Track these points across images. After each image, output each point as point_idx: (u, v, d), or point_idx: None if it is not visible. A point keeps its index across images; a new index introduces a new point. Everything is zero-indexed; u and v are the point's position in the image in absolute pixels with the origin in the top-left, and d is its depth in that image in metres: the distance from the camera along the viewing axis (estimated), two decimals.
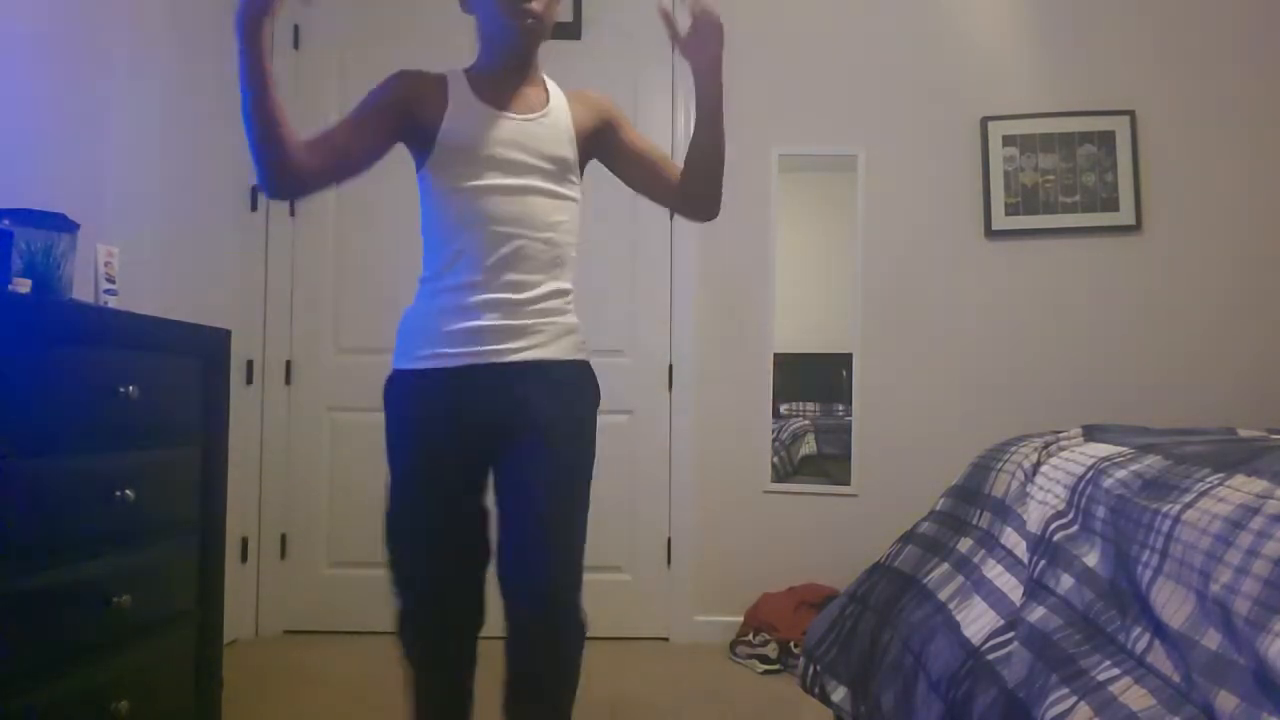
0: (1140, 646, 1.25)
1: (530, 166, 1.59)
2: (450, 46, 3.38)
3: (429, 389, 1.59)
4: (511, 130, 1.59)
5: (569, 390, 1.63)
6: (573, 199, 1.66)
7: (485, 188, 1.57)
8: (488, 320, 1.57)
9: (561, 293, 1.64)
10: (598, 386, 1.70)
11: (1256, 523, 1.13)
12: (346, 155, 1.61)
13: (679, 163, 1.75)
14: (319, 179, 1.57)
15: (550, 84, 1.71)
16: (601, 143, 1.72)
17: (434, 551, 1.62)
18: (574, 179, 1.67)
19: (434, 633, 1.66)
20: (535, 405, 1.56)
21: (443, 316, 1.61)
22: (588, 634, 1.60)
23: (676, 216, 3.29)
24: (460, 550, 1.62)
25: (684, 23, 1.57)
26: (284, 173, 1.50)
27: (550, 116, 1.64)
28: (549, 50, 3.48)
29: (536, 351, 1.59)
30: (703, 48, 1.60)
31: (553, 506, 1.54)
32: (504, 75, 1.64)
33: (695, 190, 1.73)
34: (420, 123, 1.61)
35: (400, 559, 1.64)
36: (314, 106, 3.36)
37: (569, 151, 1.64)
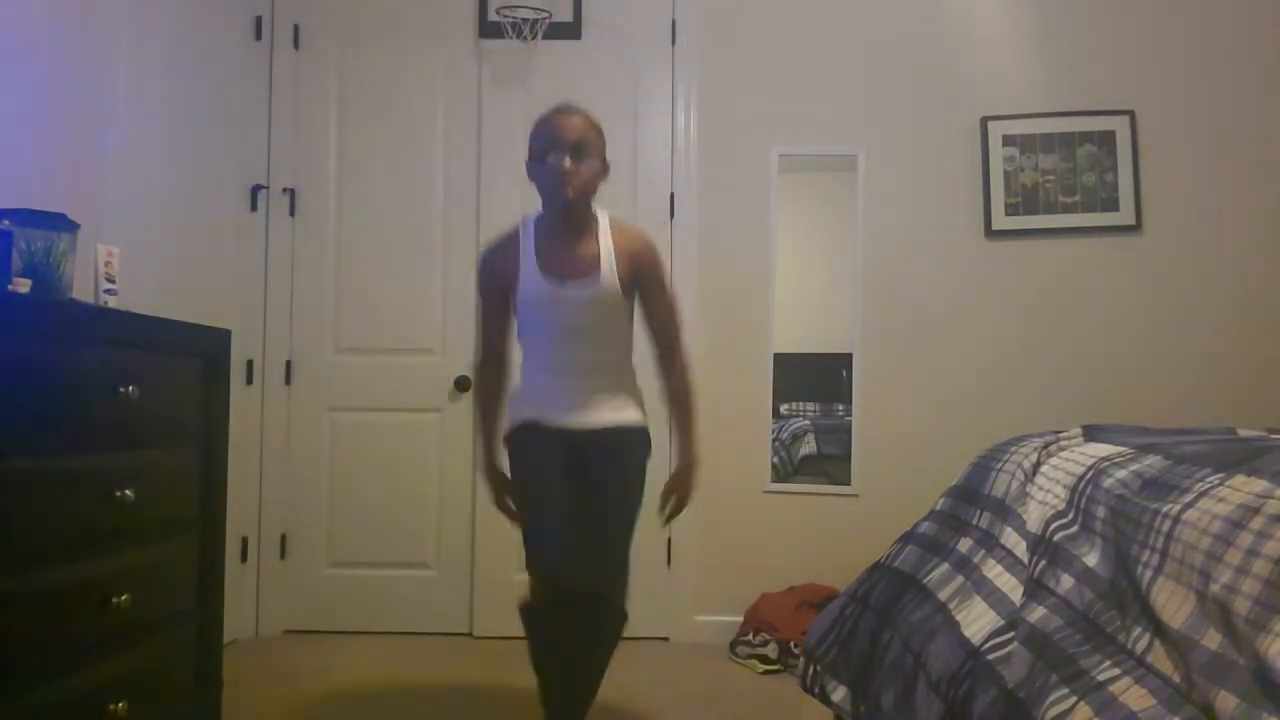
0: (1140, 646, 1.25)
1: (585, 324, 2.08)
2: (451, 47, 3.39)
3: (538, 434, 2.12)
4: (565, 299, 2.05)
5: (634, 449, 2.17)
6: (623, 329, 2.16)
7: (554, 338, 2.09)
8: (575, 399, 2.10)
9: (621, 374, 2.18)
10: (649, 440, 2.22)
11: (1256, 523, 1.13)
12: (491, 338, 2.20)
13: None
14: (501, 357, 2.22)
15: (604, 230, 2.09)
16: (637, 287, 2.15)
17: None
18: (623, 314, 2.14)
19: (578, 583, 1.99)
20: (610, 447, 2.12)
21: (545, 396, 2.12)
22: (627, 620, 2.11)
23: (676, 217, 3.31)
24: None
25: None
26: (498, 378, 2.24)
27: (599, 282, 2.05)
28: (550, 50, 3.46)
29: (610, 417, 2.13)
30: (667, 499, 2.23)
31: (617, 513, 2.11)
32: (562, 231, 2.06)
33: (662, 375, 2.28)
34: (507, 288, 2.11)
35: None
36: (314, 106, 3.37)
37: (615, 304, 2.09)
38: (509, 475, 2.17)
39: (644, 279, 2.13)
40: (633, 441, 2.17)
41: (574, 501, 2.06)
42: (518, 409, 2.16)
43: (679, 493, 2.20)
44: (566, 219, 2.06)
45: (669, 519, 2.22)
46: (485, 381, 2.20)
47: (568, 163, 1.97)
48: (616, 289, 2.07)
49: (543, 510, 2.06)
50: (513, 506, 2.14)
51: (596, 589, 2.00)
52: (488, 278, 2.15)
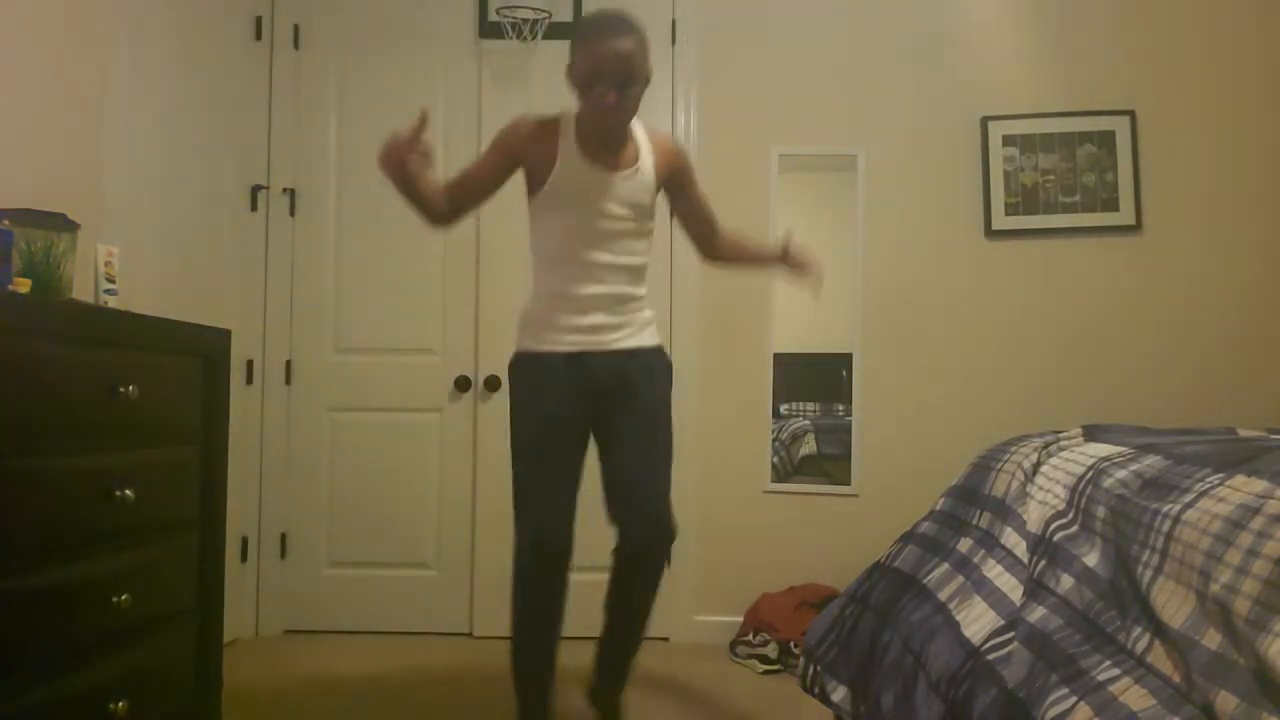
0: (1140, 646, 1.25)
1: (620, 214, 2.05)
2: (451, 47, 3.39)
3: (548, 366, 2.07)
4: (607, 184, 2.04)
5: (658, 371, 2.18)
6: (650, 229, 2.15)
7: (583, 223, 2.04)
8: (596, 319, 2.07)
9: (639, 296, 2.15)
10: (670, 362, 2.22)
11: (1256, 523, 1.13)
12: (471, 191, 2.10)
13: (721, 229, 2.35)
14: (456, 213, 2.11)
15: (639, 134, 2.11)
16: (671, 186, 2.19)
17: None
18: (652, 214, 2.14)
19: (550, 556, 2.04)
20: (634, 379, 2.10)
21: (563, 317, 2.07)
22: (675, 536, 2.15)
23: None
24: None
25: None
26: (433, 221, 2.10)
27: (640, 173, 2.08)
28: (550, 50, 3.47)
29: (629, 341, 2.12)
30: (802, 276, 2.36)
31: (655, 454, 2.13)
32: (604, 134, 2.04)
33: (720, 258, 2.40)
34: (531, 168, 2.06)
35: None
36: (314, 106, 3.37)
37: (650, 199, 2.11)
38: (511, 402, 2.12)
39: (680, 175, 2.18)
40: (658, 366, 2.18)
41: (577, 461, 2.10)
42: (532, 331, 2.11)
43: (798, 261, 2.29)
44: (607, 131, 2.05)
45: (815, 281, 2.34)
46: (437, 195, 2.04)
47: (613, 98, 1.93)
48: (654, 181, 2.10)
49: (540, 472, 2.06)
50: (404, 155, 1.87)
51: (654, 539, 2.08)
52: (516, 142, 2.04)
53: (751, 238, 2.38)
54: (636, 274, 2.13)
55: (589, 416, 2.11)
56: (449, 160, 3.37)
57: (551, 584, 2.07)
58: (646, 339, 2.16)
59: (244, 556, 3.25)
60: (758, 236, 3.30)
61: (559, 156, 2.02)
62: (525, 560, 2.06)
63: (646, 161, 2.09)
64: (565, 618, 2.14)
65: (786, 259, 2.32)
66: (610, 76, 1.92)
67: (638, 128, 2.11)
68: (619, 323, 2.09)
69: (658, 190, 2.13)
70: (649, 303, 2.22)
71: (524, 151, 2.05)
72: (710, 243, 2.33)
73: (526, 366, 2.11)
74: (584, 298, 2.05)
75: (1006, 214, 3.28)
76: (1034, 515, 1.70)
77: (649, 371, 2.14)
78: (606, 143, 2.05)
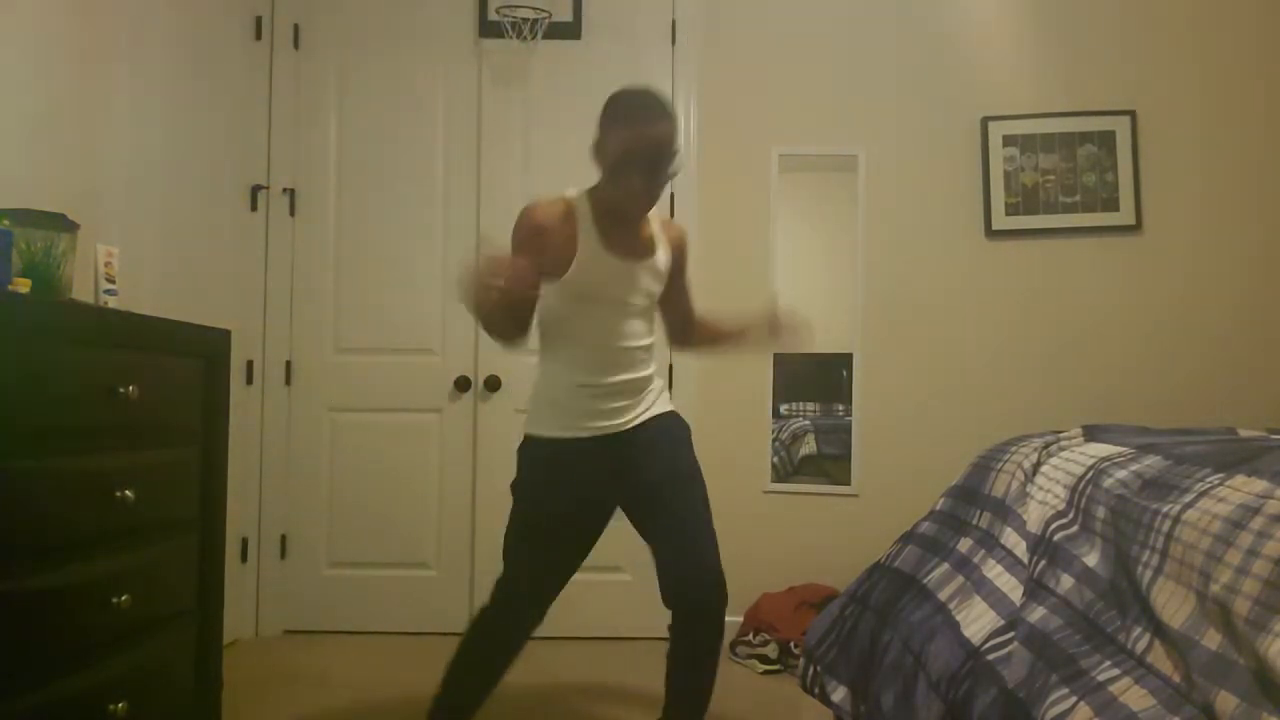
0: (1140, 646, 1.25)
1: (636, 303, 2.01)
2: (451, 47, 3.39)
3: (567, 452, 2.00)
4: (631, 275, 1.99)
5: (673, 428, 2.11)
6: (654, 307, 2.10)
7: (604, 313, 1.98)
8: (612, 404, 2.01)
9: (654, 373, 2.11)
10: (686, 423, 2.16)
11: (1256, 523, 1.13)
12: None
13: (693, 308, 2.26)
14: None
15: (652, 218, 2.05)
16: (672, 266, 2.12)
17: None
18: (661, 290, 2.08)
19: (524, 625, 2.02)
20: (656, 441, 2.05)
21: (586, 403, 2.00)
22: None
23: (676, 216, 3.31)
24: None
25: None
26: (513, 338, 1.99)
27: (656, 261, 2.03)
28: (550, 50, 3.45)
29: (644, 417, 2.06)
30: (784, 343, 2.22)
31: (697, 507, 2.04)
32: (622, 222, 1.98)
33: (689, 346, 2.34)
34: (552, 257, 1.94)
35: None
36: (314, 106, 3.37)
37: (659, 287, 2.06)
38: (523, 482, 2.04)
39: (682, 263, 2.15)
40: (678, 424, 2.13)
41: (583, 549, 2.04)
42: (551, 416, 2.02)
43: (781, 324, 2.16)
44: (632, 220, 2.00)
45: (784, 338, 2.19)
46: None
47: (642, 185, 1.89)
48: (668, 269, 2.07)
49: (544, 561, 2.01)
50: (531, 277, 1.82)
51: (715, 598, 1.95)
52: (536, 232, 1.93)
53: (725, 317, 2.24)
54: (649, 352, 2.08)
55: (612, 499, 2.04)
56: (449, 160, 3.38)
57: (514, 646, 2.05)
58: (660, 407, 2.10)
59: (244, 557, 3.25)
60: (754, 237, 3.31)
61: (579, 247, 1.93)
62: (497, 619, 2.02)
63: (661, 249, 2.05)
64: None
65: (774, 325, 2.19)
66: (646, 164, 1.86)
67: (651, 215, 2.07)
68: (638, 403, 2.04)
69: (667, 274, 2.08)
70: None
71: (544, 243, 1.93)
72: (686, 330, 2.26)
73: (546, 454, 2.01)
74: (608, 385, 1.99)
75: (1006, 214, 3.28)
76: (1034, 515, 1.70)
77: (668, 430, 2.09)
78: (625, 228, 1.99)
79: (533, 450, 2.03)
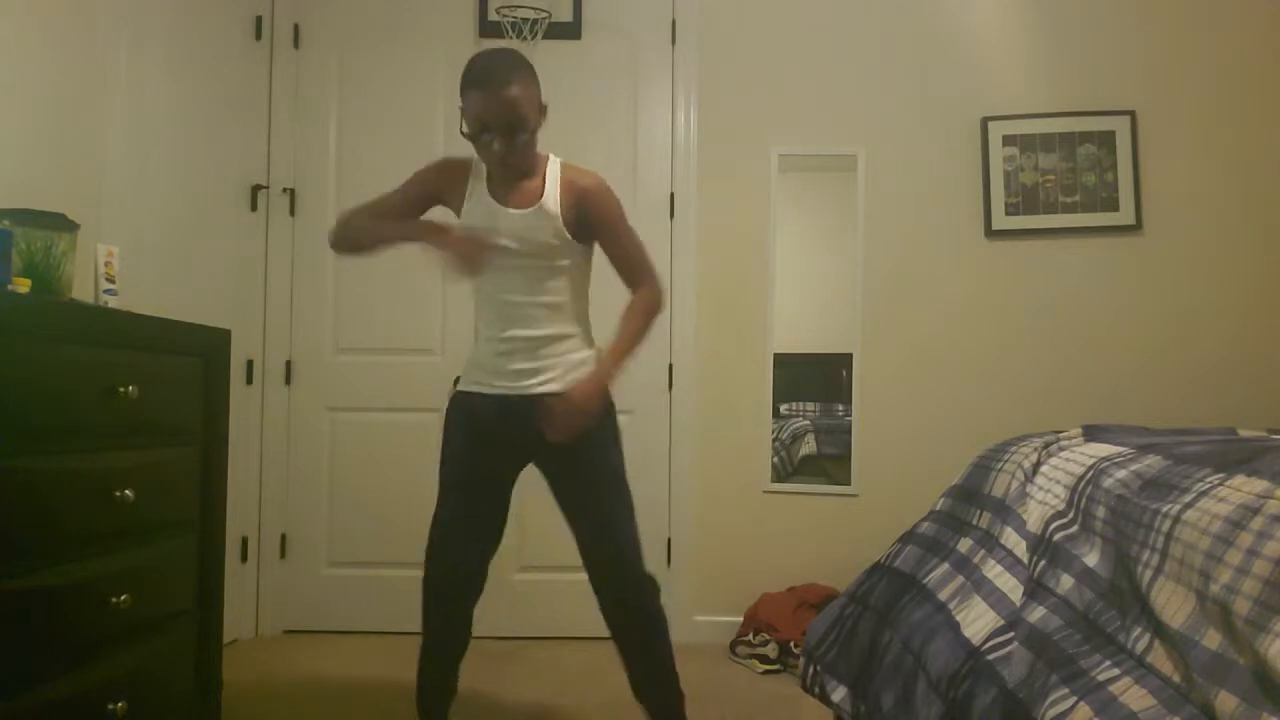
0: (1140, 646, 1.25)
1: (522, 251, 1.98)
2: (451, 47, 3.39)
3: (476, 407, 2.04)
4: (507, 222, 1.98)
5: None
6: (565, 265, 2.02)
7: (494, 265, 1.97)
8: (518, 364, 2.00)
9: (565, 336, 2.03)
10: (610, 402, 2.06)
11: (1256, 523, 1.13)
12: (385, 215, 2.07)
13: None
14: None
15: (550, 169, 2.04)
16: (588, 229, 2.06)
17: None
18: (566, 253, 2.02)
19: (438, 589, 2.07)
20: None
21: (491, 360, 2.04)
22: (659, 588, 2.09)
23: (676, 217, 3.32)
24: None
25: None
26: (346, 247, 2.11)
27: (541, 210, 2.00)
28: (550, 50, 3.46)
29: (552, 385, 1.99)
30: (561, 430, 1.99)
31: (598, 508, 2.04)
32: (511, 175, 2.01)
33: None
34: (447, 204, 2.06)
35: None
36: (314, 106, 3.37)
37: (555, 238, 2.00)
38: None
39: (595, 217, 2.04)
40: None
41: (486, 505, 2.06)
42: (466, 372, 2.11)
43: (570, 401, 1.95)
44: (507, 176, 2.03)
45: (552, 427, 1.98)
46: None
47: (500, 146, 1.92)
48: (556, 216, 1.99)
49: (444, 509, 2.06)
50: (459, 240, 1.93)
51: (626, 599, 2.04)
52: (432, 177, 2.08)
53: (630, 336, 2.07)
54: (558, 313, 2.02)
55: (518, 463, 2.08)
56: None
57: (439, 615, 2.09)
58: (572, 382, 2.00)
59: (244, 556, 3.25)
60: (754, 237, 3.31)
61: (467, 194, 2.03)
62: (423, 588, 2.08)
63: (550, 200, 2.00)
64: (462, 651, 2.15)
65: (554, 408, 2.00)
66: (496, 127, 1.91)
67: (553, 167, 2.05)
68: (540, 366, 2.00)
69: (573, 230, 2.01)
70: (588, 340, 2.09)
71: (437, 186, 2.07)
72: (628, 283, 2.16)
73: (452, 405, 2.10)
74: (504, 340, 2.01)
75: (1006, 214, 3.28)
76: (1034, 515, 1.70)
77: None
78: (510, 182, 2.02)
79: (453, 403, 2.11)
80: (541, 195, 2.01)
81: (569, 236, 2.00)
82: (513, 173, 2.00)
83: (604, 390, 2.01)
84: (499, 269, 1.99)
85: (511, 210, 1.99)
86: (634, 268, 2.10)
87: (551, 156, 2.06)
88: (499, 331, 2.02)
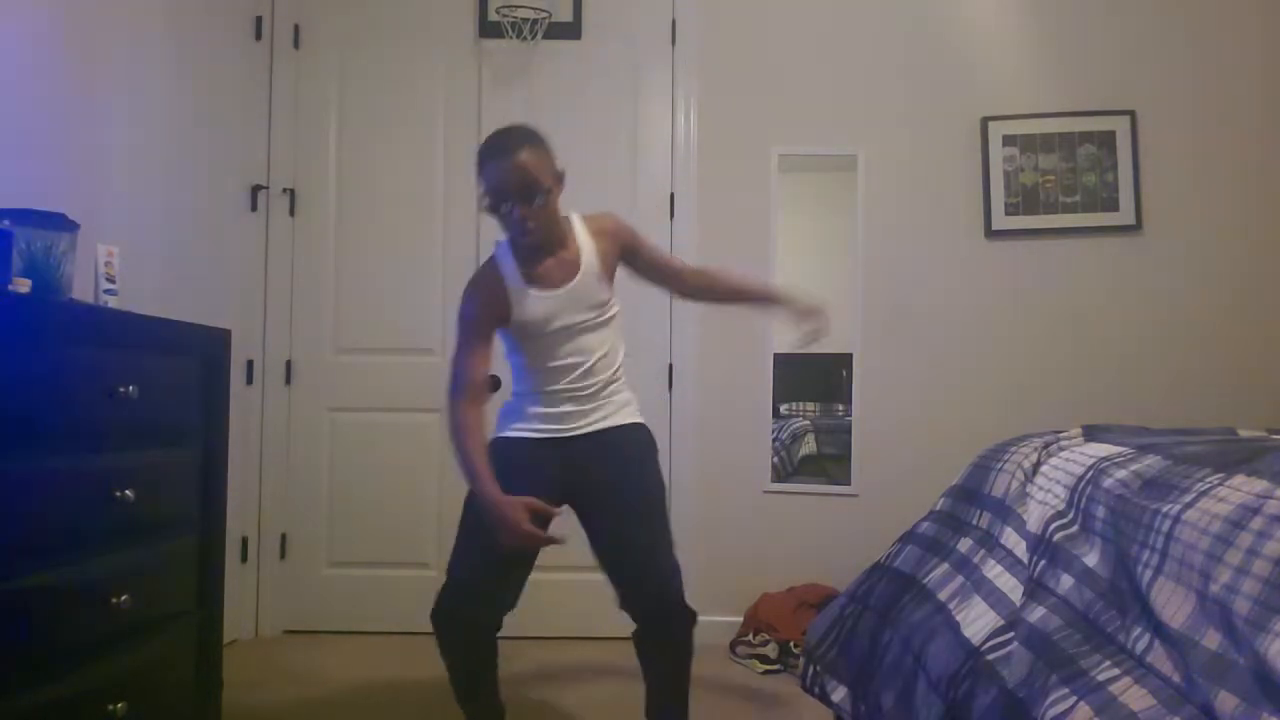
0: (1140, 646, 1.25)
1: (580, 320, 2.06)
2: (451, 47, 3.39)
3: (516, 449, 2.07)
4: (562, 302, 2.05)
5: (636, 442, 2.14)
6: (612, 316, 2.13)
7: (552, 341, 2.06)
8: (563, 409, 2.08)
9: (612, 380, 2.13)
10: (653, 437, 2.18)
11: (1256, 523, 1.13)
12: (483, 369, 2.07)
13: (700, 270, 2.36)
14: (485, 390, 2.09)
15: (578, 229, 2.09)
16: (626, 262, 2.18)
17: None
18: (610, 303, 2.12)
19: (468, 631, 2.02)
20: (611, 454, 2.09)
21: (532, 408, 2.10)
22: (697, 618, 2.14)
23: (676, 217, 3.32)
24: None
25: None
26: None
27: (584, 275, 2.06)
28: (550, 50, 3.45)
29: (604, 424, 2.10)
30: (803, 334, 2.21)
31: (649, 528, 2.07)
32: (535, 251, 2.04)
33: (701, 299, 2.46)
34: (501, 317, 2.07)
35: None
36: (314, 106, 3.37)
37: (604, 293, 2.10)
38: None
39: (628, 249, 2.16)
40: (640, 439, 2.15)
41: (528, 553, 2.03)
42: (502, 422, 2.14)
43: (810, 318, 2.18)
44: (535, 251, 2.05)
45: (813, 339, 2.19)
46: (465, 415, 2.01)
47: (519, 213, 1.95)
48: (601, 272, 2.08)
49: (485, 555, 1.97)
50: (539, 531, 1.93)
51: (665, 616, 2.08)
52: (478, 311, 2.05)
53: (748, 278, 2.31)
54: (606, 361, 2.11)
55: (558, 497, 2.04)
56: (449, 160, 3.38)
57: (465, 650, 2.05)
58: (624, 418, 2.13)
59: (244, 556, 3.25)
60: (754, 237, 3.31)
61: (510, 298, 2.03)
62: (440, 624, 1.99)
63: (589, 257, 2.07)
64: (495, 666, 2.12)
65: (802, 312, 2.21)
66: (512, 194, 1.94)
67: (579, 226, 2.10)
68: (590, 409, 2.09)
69: (610, 276, 2.12)
70: (633, 380, 2.21)
71: (490, 313, 2.05)
72: (681, 286, 2.33)
73: (498, 450, 2.06)
74: (553, 393, 2.07)
75: (1006, 214, 3.28)
76: (1034, 515, 1.70)
77: (629, 444, 2.12)
78: (544, 256, 2.05)
79: (489, 449, 2.05)
80: (579, 258, 2.07)
81: (609, 284, 2.11)
82: (542, 243, 2.02)
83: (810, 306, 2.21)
84: (564, 339, 2.06)
85: (559, 290, 2.04)
86: (672, 262, 2.32)
87: (572, 215, 2.11)
88: (551, 385, 2.07)
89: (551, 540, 1.93)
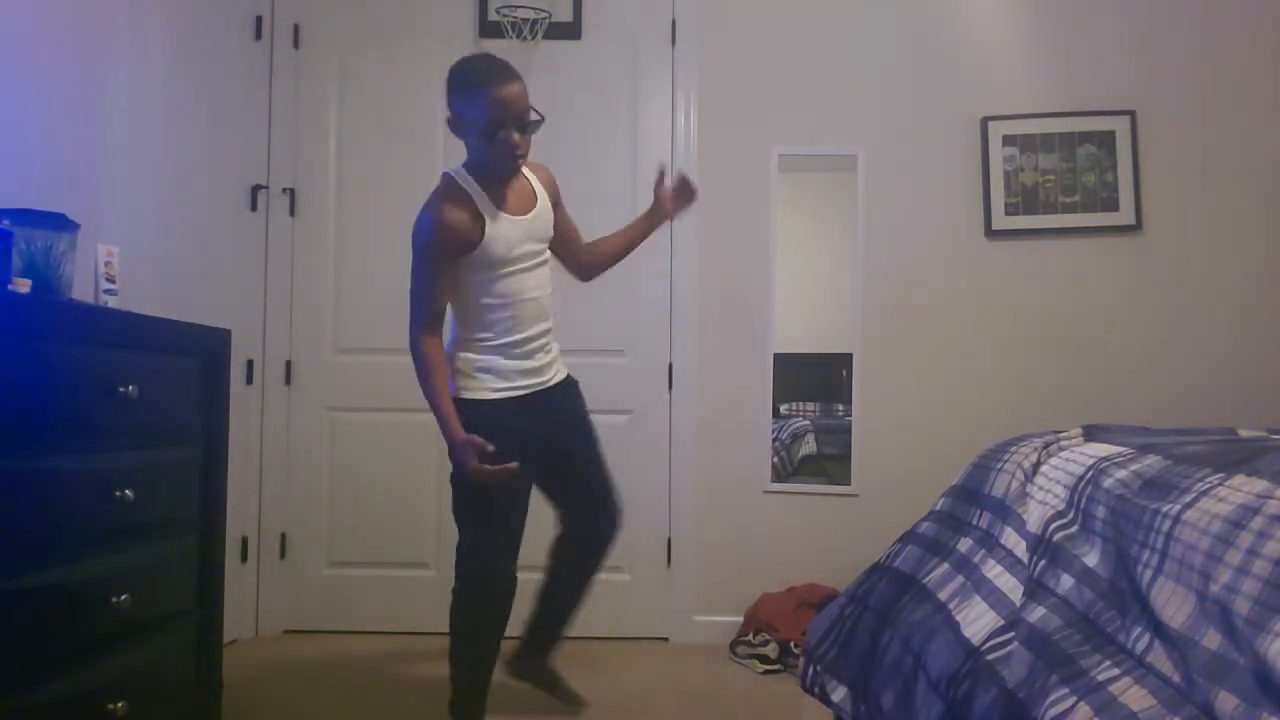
0: (1140, 646, 1.25)
1: (535, 251, 2.18)
2: (451, 47, 3.38)
3: (506, 414, 2.14)
4: (526, 228, 2.16)
5: (578, 393, 2.38)
6: (547, 258, 2.25)
7: (515, 271, 2.14)
8: (537, 362, 2.20)
9: (552, 327, 2.27)
10: (577, 385, 2.38)
11: (1256, 523, 1.13)
12: (445, 299, 2.19)
13: (592, 236, 2.43)
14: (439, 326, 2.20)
15: (526, 171, 2.19)
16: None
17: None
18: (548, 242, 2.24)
19: (503, 594, 2.19)
20: (570, 409, 2.31)
21: (512, 362, 2.17)
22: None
23: (677, 218, 3.31)
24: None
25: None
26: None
27: (541, 205, 2.19)
28: (550, 50, 3.45)
29: (560, 375, 2.30)
30: (678, 206, 2.40)
31: (602, 466, 2.37)
32: (504, 181, 2.14)
33: (596, 270, 2.47)
34: (471, 242, 2.10)
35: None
36: (314, 106, 3.37)
37: (550, 229, 2.23)
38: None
39: (555, 198, 2.28)
40: (578, 391, 2.37)
41: (526, 504, 2.22)
42: (481, 381, 2.15)
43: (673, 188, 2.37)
44: (508, 178, 2.16)
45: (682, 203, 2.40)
46: (432, 351, 2.11)
47: (517, 138, 2.04)
48: (550, 212, 2.23)
49: (497, 525, 2.16)
50: (491, 470, 2.04)
51: (615, 527, 2.37)
52: (454, 235, 2.07)
53: (622, 226, 2.45)
54: (550, 303, 2.25)
55: (541, 453, 2.21)
56: (449, 160, 3.37)
57: (503, 611, 2.23)
58: (564, 370, 2.33)
59: (244, 556, 3.25)
60: (754, 237, 3.31)
61: (484, 220, 2.09)
62: (477, 593, 2.19)
63: (542, 196, 2.21)
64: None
65: (667, 194, 2.38)
66: (514, 120, 2.02)
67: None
68: (550, 360, 2.26)
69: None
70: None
71: (460, 233, 2.08)
72: (585, 259, 2.42)
73: (487, 415, 2.10)
74: (529, 338, 2.17)
75: (1006, 214, 3.28)
76: (1034, 515, 1.70)
77: (578, 398, 2.36)
78: (508, 188, 2.14)
79: (470, 413, 2.10)
80: (534, 192, 2.19)
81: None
82: (515, 174, 2.14)
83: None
84: (521, 272, 2.13)
85: (524, 216, 2.15)
86: (578, 235, 2.40)
87: None
88: (523, 332, 2.16)
89: (506, 470, 2.04)
